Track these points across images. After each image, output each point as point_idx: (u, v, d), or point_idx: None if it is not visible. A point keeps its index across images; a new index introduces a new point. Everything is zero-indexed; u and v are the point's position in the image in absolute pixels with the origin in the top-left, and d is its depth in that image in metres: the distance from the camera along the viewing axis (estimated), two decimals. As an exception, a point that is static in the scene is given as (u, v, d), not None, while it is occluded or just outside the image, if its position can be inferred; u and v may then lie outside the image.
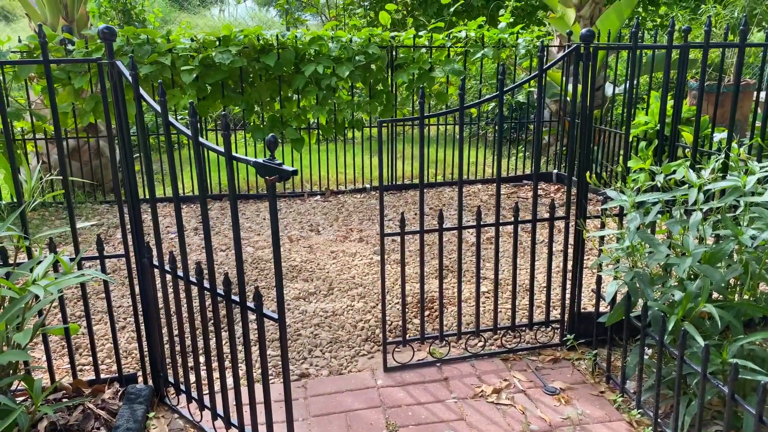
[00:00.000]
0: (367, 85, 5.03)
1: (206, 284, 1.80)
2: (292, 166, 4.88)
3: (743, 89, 5.42)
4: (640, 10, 8.69)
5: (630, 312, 2.14)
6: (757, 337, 1.88)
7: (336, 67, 4.73)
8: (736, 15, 6.40)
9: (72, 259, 1.89)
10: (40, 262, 1.80)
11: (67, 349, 2.49)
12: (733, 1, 6.53)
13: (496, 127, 5.96)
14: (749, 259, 2.00)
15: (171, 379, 2.13)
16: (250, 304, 1.67)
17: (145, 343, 2.28)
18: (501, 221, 2.36)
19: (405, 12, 7.73)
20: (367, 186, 5.20)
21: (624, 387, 2.16)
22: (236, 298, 1.71)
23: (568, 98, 5.34)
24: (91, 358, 2.43)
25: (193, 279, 1.84)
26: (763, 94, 5.76)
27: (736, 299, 2.13)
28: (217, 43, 4.66)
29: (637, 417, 2.04)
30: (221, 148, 1.57)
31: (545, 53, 5.41)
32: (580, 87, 2.36)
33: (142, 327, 2.47)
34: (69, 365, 2.26)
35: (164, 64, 4.49)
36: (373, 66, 4.94)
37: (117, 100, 1.91)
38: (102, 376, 2.20)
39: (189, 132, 1.66)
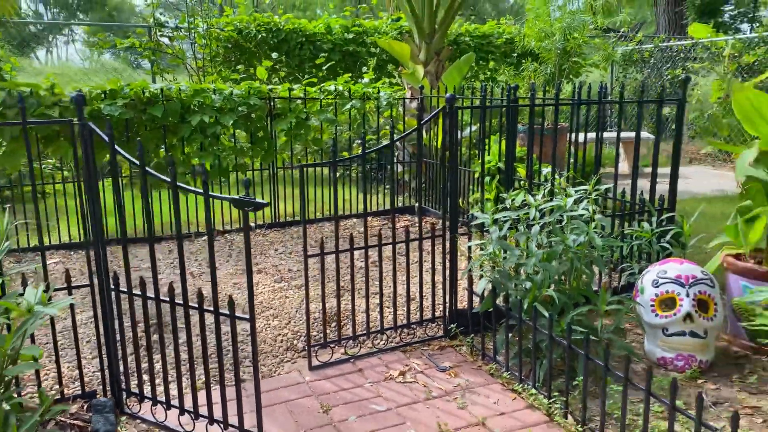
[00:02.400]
0: (248, 133, 5.51)
1: (180, 301, 2.22)
2: (170, 208, 5.15)
3: (560, 132, 6.64)
4: (474, 64, 10.02)
5: (495, 302, 2.86)
6: (583, 310, 2.67)
7: (220, 117, 5.18)
8: (549, 71, 7.77)
9: (45, 290, 2.21)
10: (21, 294, 2.10)
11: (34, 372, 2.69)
12: (546, 60, 7.90)
13: (368, 167, 6.67)
14: (573, 257, 2.80)
15: (135, 390, 2.47)
16: (224, 310, 2.12)
17: (105, 362, 2.59)
18: (397, 241, 2.99)
19: (278, 68, 8.34)
20: (253, 225, 5.62)
21: (496, 359, 2.86)
22: (211, 308, 2.16)
23: (424, 143, 6.20)
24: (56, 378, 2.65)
25: (165, 298, 2.24)
26: (574, 136, 7.07)
27: (567, 287, 2.93)
28: (103, 96, 4.92)
29: (507, 378, 2.73)
30: (200, 190, 2.04)
31: (404, 105, 6.27)
32: (442, 133, 3.08)
33: (104, 348, 2.76)
34: (36, 385, 2.50)
35: (52, 116, 4.66)
36: (253, 115, 5.44)
37: (86, 153, 2.28)
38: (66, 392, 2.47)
39: (168, 179, 2.10)
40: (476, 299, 3.11)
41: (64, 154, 4.84)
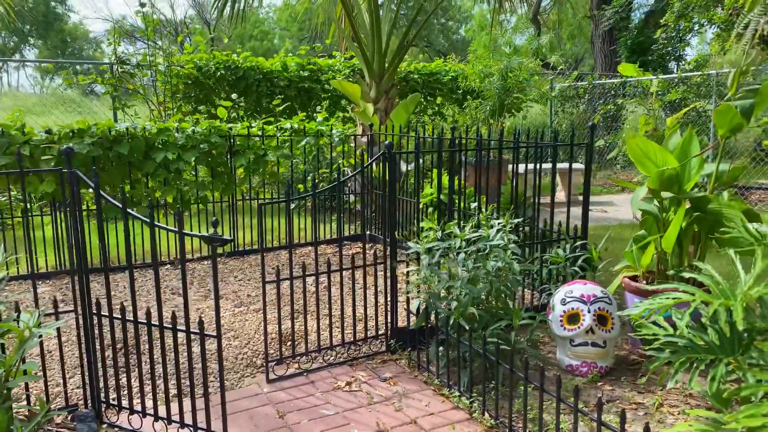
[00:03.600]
0: (209, 168, 5.89)
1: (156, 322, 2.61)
2: (142, 239, 5.44)
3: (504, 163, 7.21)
4: (422, 100, 10.64)
5: (429, 319, 3.32)
6: (500, 325, 3.16)
7: (182, 154, 5.56)
8: (488, 108, 8.43)
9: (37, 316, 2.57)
10: (15, 319, 2.46)
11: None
12: (488, 97, 8.57)
13: (321, 198, 7.12)
14: (493, 280, 3.30)
15: (114, 402, 2.83)
16: (195, 329, 2.52)
17: (87, 378, 2.94)
18: (344, 268, 3.44)
19: (237, 104, 8.75)
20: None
21: (429, 368, 3.32)
22: (183, 328, 2.55)
23: (374, 175, 6.69)
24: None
25: (142, 320, 2.62)
26: (520, 167, 7.68)
27: (491, 305, 3.42)
28: (71, 134, 5.25)
29: (438, 385, 3.19)
30: (175, 228, 2.45)
31: (355, 140, 6.76)
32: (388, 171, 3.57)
33: (86, 365, 3.10)
34: (25, 399, 2.83)
35: (24, 154, 4.98)
36: (214, 152, 5.84)
37: (73, 196, 2.67)
38: (52, 406, 2.81)
39: (146, 219, 2.51)
40: (413, 318, 3.57)
41: (33, 190, 5.13)
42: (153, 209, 2.47)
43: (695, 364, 2.51)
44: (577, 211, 6.64)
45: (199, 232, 6.42)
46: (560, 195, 9.44)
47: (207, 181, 5.87)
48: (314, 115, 8.91)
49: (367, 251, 6.27)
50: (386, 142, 3.48)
